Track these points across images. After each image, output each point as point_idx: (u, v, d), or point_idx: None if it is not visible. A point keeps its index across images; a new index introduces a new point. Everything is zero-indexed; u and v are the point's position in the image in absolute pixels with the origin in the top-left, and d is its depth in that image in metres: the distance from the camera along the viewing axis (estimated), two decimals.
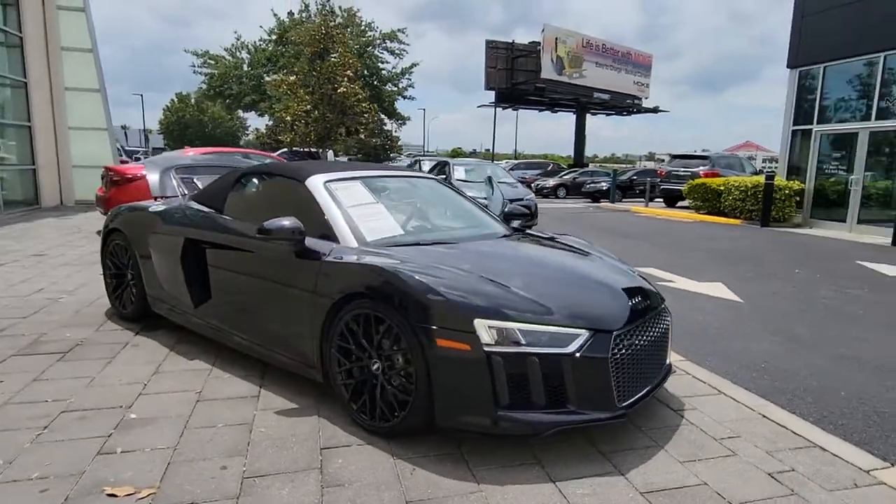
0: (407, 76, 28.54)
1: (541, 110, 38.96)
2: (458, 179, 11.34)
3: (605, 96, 34.82)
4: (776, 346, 4.32)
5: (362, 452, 2.43)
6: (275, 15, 26.83)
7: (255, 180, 3.72)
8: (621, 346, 2.44)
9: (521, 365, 2.28)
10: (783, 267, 7.79)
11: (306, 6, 24.48)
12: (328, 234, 2.94)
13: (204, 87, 28.74)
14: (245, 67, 26.66)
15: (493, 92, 34.90)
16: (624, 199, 20.91)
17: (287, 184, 3.44)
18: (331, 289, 2.67)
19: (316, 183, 3.23)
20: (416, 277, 2.43)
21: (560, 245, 3.48)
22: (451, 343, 2.29)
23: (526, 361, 2.28)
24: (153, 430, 2.59)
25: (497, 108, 37.71)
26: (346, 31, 18.77)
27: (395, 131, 19.85)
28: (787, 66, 12.71)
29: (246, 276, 3.23)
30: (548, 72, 32.12)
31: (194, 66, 27.88)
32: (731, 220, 13.08)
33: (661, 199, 17.75)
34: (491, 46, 34.75)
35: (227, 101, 27.97)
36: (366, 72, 17.85)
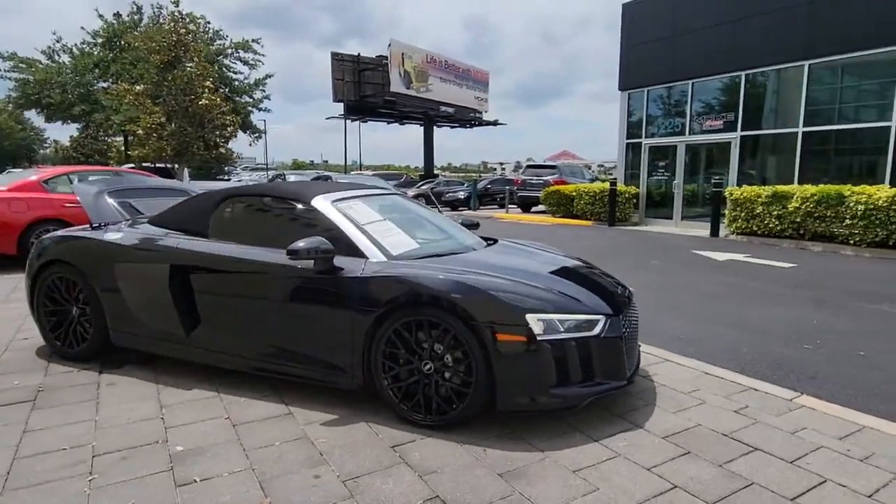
0: (261, 87, 27.33)
1: (389, 122, 39.77)
2: None
3: (451, 110, 36.75)
4: (679, 322, 5.33)
5: (432, 445, 2.70)
6: (100, 16, 23.92)
7: (244, 203, 3.68)
8: (624, 327, 3.03)
9: (562, 349, 2.75)
10: (641, 258, 9.28)
11: (139, 8, 22.22)
12: (351, 251, 3.12)
13: (12, 94, 24.48)
14: (69, 73, 23.32)
15: (342, 104, 34.88)
16: (481, 207, 22.43)
17: (287, 205, 3.51)
18: (375, 300, 2.89)
19: (324, 203, 3.37)
20: (470, 283, 2.78)
21: (542, 249, 4.02)
22: (509, 336, 2.68)
23: (566, 345, 2.75)
24: (214, 456, 2.57)
25: (346, 120, 37.62)
26: (198, 38, 17.50)
27: (251, 144, 18.89)
28: (619, 89, 14.96)
29: (258, 299, 3.25)
30: (396, 85, 33.03)
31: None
32: (584, 222, 14.96)
33: (517, 206, 19.46)
34: (337, 59, 34.68)
35: (48, 110, 24.19)
36: (217, 82, 16.80)
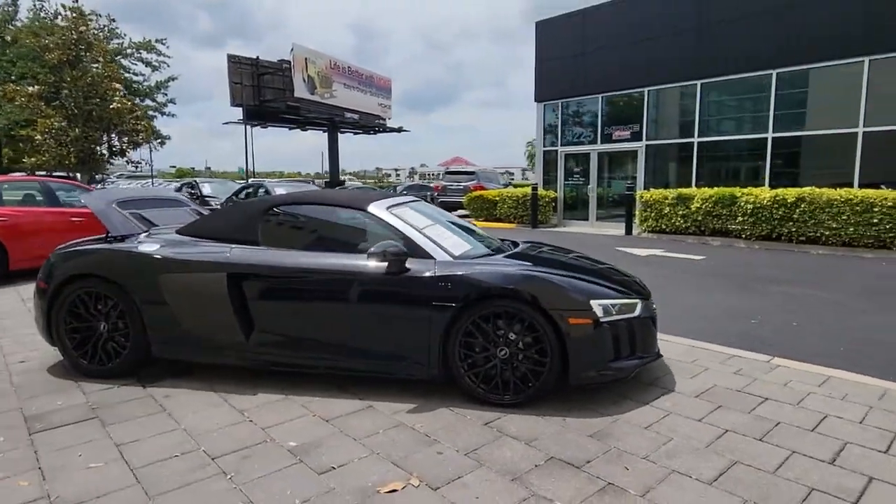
0: (163, 91, 25.50)
1: (291, 128, 38.73)
2: None
3: (356, 116, 36.60)
4: None
5: (519, 419, 3.07)
6: None
7: (295, 211, 3.79)
8: (653, 308, 3.60)
9: (615, 328, 3.25)
10: None
11: (14, 1, 19.73)
12: (417, 253, 3.40)
13: None
14: None
15: (241, 108, 33.45)
16: None
17: (342, 212, 3.70)
18: (453, 296, 3.20)
19: (380, 209, 3.62)
20: (542, 277, 3.20)
21: (564, 249, 4.51)
22: (579, 320, 3.13)
23: (618, 326, 3.26)
24: (332, 448, 2.76)
25: (246, 126, 36.11)
26: (101, 36, 15.94)
27: (155, 150, 17.64)
28: (535, 101, 16.07)
29: (329, 302, 3.41)
30: (301, 91, 32.32)
31: None
32: (508, 225, 15.85)
33: None
34: (234, 61, 33.09)
35: None
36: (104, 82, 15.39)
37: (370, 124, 39.12)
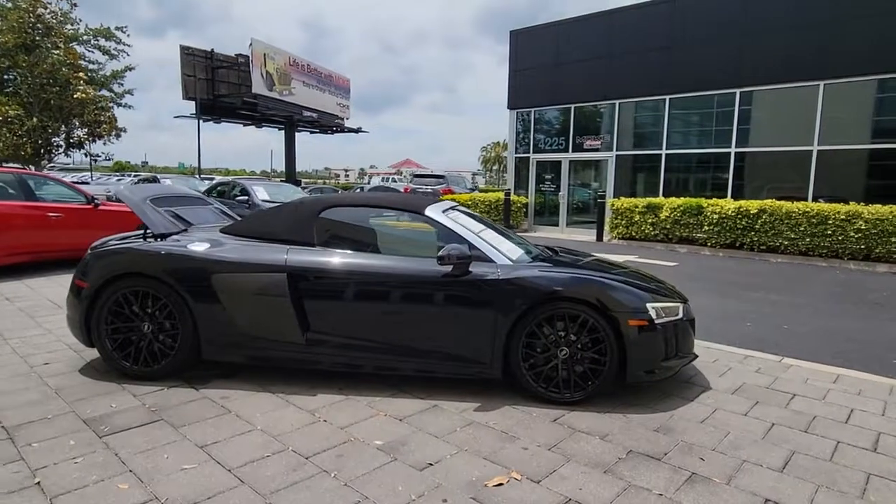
0: (119, 80, 24.19)
1: (246, 125, 37.71)
2: (264, 200, 11.02)
3: (314, 115, 36.06)
4: None
5: (584, 417, 3.23)
6: None
7: (348, 213, 3.81)
8: (690, 311, 3.85)
9: (665, 329, 3.47)
10: None
11: None
12: (477, 257, 3.51)
13: None
14: None
15: (193, 102, 32.30)
16: None
17: (400, 215, 3.76)
18: (517, 299, 3.33)
19: (437, 213, 3.70)
20: (604, 280, 3.38)
21: (582, 253, 4.71)
22: (637, 322, 3.33)
23: (667, 327, 3.48)
24: (420, 445, 2.83)
25: (199, 120, 34.91)
26: (60, 20, 14.88)
27: (111, 142, 16.68)
28: (507, 108, 16.41)
29: (387, 303, 3.47)
30: (259, 87, 31.57)
31: None
32: None
33: None
34: (187, 53, 31.95)
35: None
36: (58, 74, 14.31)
37: (328, 124, 38.63)
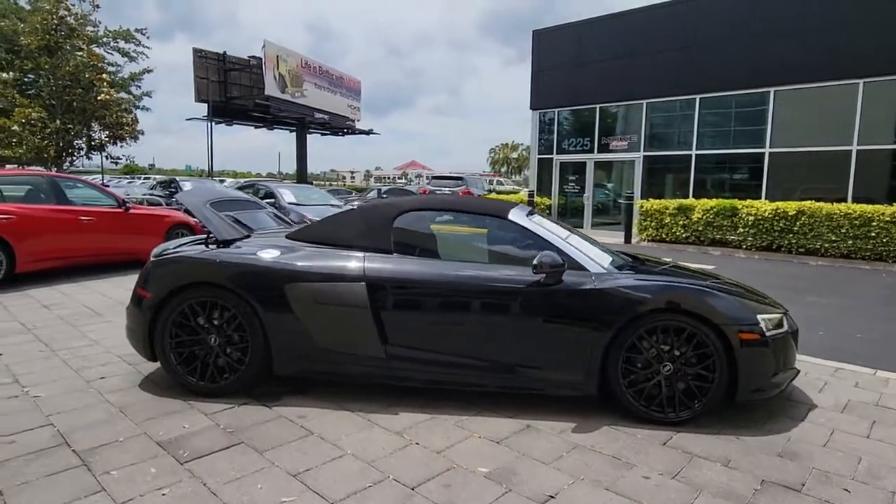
0: (137, 83, 24.07)
1: (257, 127, 37.62)
2: (290, 203, 10.81)
3: (326, 117, 35.95)
4: None
5: (696, 439, 2.98)
6: None
7: (427, 217, 3.57)
8: (793, 322, 3.59)
9: (775, 342, 3.21)
10: None
11: None
12: (570, 265, 3.26)
13: None
14: None
15: (206, 105, 32.20)
16: None
17: (479, 220, 3.52)
18: (617, 311, 3.09)
19: (521, 218, 3.46)
20: (711, 290, 3.13)
21: (667, 261, 4.45)
22: (749, 335, 3.07)
23: (776, 339, 3.22)
24: (531, 474, 2.59)
25: (211, 123, 34.82)
26: (83, 22, 14.69)
27: (126, 145, 16.46)
28: (530, 108, 16.18)
29: (473, 315, 3.22)
30: (271, 89, 31.47)
31: None
32: None
33: None
34: (200, 55, 31.94)
35: None
36: (82, 76, 14.13)
37: (340, 126, 38.51)
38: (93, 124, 13.36)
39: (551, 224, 3.66)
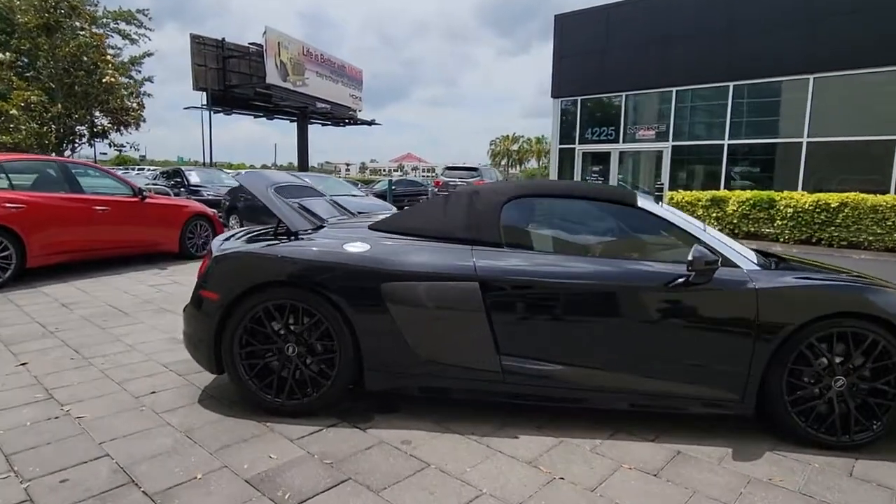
0: (138, 67, 23.22)
1: (257, 116, 36.81)
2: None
3: (327, 106, 35.21)
4: None
5: (883, 468, 2.49)
6: None
7: (540, 205, 3.05)
8: None
9: None
10: None
11: None
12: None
13: None
14: None
15: (204, 92, 31.37)
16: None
17: (601, 208, 3.00)
18: (786, 314, 2.59)
19: (651, 204, 2.95)
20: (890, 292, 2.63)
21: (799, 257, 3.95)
22: None
23: None
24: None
25: (210, 112, 33.99)
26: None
27: (126, 133, 15.71)
28: (552, 97, 15.62)
29: (608, 320, 2.71)
30: (273, 77, 30.68)
31: None
32: None
33: None
34: (198, 42, 31.05)
35: None
36: (85, 57, 13.35)
37: (341, 116, 37.74)
38: (95, 110, 12.65)
39: (683, 214, 3.15)
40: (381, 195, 18.85)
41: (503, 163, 70.39)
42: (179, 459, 2.41)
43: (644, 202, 2.94)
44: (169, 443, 2.55)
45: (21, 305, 5.09)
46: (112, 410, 2.89)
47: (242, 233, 3.42)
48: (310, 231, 3.09)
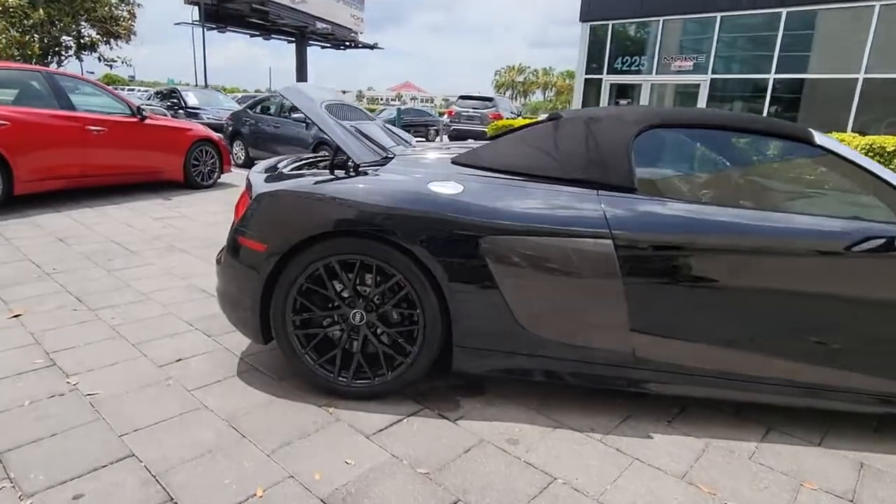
0: None
1: (253, 35, 34.67)
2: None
3: (328, 27, 33.14)
4: None
5: None
6: None
7: (682, 138, 2.35)
8: None
9: None
10: None
11: None
12: None
13: None
14: None
15: (196, 7, 29.27)
16: None
17: (770, 145, 2.30)
18: None
19: (834, 144, 2.25)
20: None
21: None
22: None
23: None
24: None
25: (202, 28, 31.90)
26: None
27: (116, 47, 14.37)
28: (580, 20, 14.32)
29: (791, 292, 2.07)
30: None
31: None
32: None
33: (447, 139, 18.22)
34: None
35: None
36: None
37: (342, 38, 35.63)
38: (81, 19, 11.39)
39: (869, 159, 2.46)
40: (389, 124, 17.76)
41: (507, 94, 67.94)
42: (228, 464, 1.84)
43: (823, 139, 2.24)
44: (211, 437, 1.97)
45: (10, 238, 4.42)
46: (131, 385, 2.30)
47: (285, 162, 2.72)
48: (377, 165, 2.39)
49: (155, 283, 3.56)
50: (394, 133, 3.36)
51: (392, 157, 2.54)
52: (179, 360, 2.54)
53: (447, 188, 2.16)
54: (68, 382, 2.30)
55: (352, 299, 2.21)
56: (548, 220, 2.08)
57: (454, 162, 2.41)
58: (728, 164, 2.42)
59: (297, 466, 1.84)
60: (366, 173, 2.30)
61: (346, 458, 1.89)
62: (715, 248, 2.05)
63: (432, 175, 2.25)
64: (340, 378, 2.23)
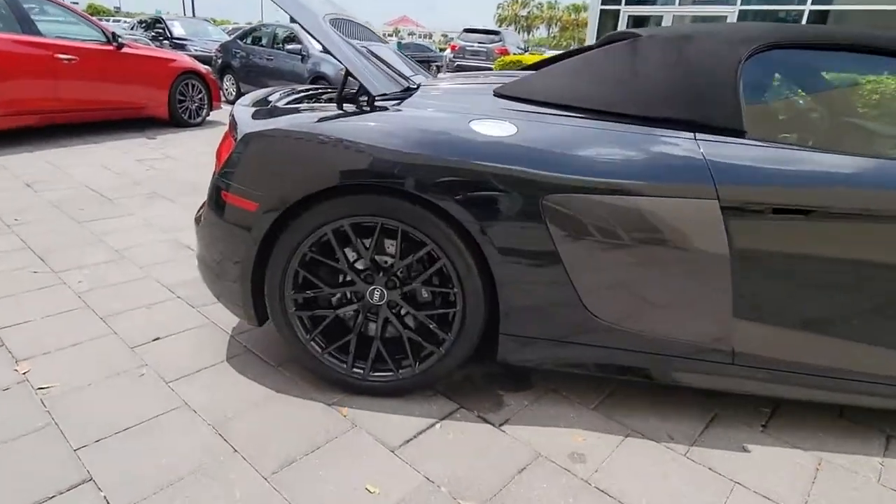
0: None
1: None
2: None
3: None
4: None
5: None
6: None
7: (811, 67, 1.79)
8: None
9: None
10: None
11: None
12: None
13: None
14: None
15: None
16: None
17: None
18: None
19: None
20: None
21: None
22: None
23: None
24: None
25: None
26: None
27: None
28: None
29: None
30: None
31: None
32: None
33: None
34: None
35: None
36: None
37: None
38: None
39: None
40: None
41: (509, 29, 65.10)
42: (216, 493, 1.40)
43: None
44: (193, 452, 1.54)
45: None
46: (95, 375, 1.85)
47: (278, 94, 2.17)
48: (398, 98, 1.85)
49: (132, 238, 3.07)
50: (409, 60, 2.77)
51: (416, 88, 1.99)
52: (157, 339, 2.09)
53: (495, 129, 1.62)
54: (16, 370, 1.85)
55: (369, 273, 1.72)
56: (628, 173, 1.56)
57: (498, 94, 1.86)
58: (875, 100, 1.88)
59: (306, 497, 1.41)
60: (385, 108, 1.76)
61: (367, 485, 1.46)
62: (855, 213, 1.55)
63: (472, 111, 1.71)
64: (355, 370, 1.78)
